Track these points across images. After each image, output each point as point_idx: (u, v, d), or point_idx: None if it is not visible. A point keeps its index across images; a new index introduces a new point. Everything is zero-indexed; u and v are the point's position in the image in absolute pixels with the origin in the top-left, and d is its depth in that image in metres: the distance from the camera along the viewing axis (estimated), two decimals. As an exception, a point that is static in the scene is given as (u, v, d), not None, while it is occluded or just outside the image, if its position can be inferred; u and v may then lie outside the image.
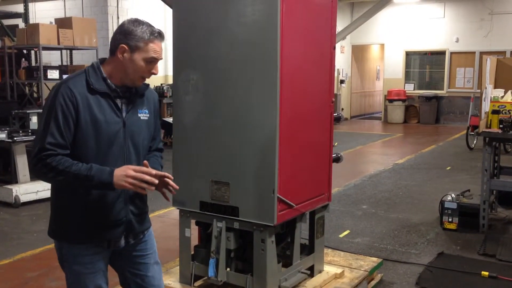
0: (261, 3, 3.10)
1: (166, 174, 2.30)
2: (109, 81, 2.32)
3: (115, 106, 2.31)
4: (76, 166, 2.18)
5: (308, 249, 3.82)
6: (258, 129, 3.18)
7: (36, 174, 2.26)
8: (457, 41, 16.21)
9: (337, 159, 3.97)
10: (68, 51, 8.88)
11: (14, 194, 6.66)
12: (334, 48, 3.68)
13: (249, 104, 3.21)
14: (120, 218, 2.37)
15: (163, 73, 12.16)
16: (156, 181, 2.21)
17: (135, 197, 2.40)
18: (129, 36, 2.28)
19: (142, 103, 2.44)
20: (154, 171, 2.21)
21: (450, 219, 5.59)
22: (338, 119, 3.96)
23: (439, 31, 16.39)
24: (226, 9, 3.24)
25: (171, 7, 3.74)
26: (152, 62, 2.32)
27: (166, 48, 11.57)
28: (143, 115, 2.42)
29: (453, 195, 5.76)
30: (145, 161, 2.27)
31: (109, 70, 2.33)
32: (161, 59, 2.38)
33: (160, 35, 2.33)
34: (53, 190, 2.40)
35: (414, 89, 17.23)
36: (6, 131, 6.94)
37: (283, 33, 3.07)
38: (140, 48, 2.28)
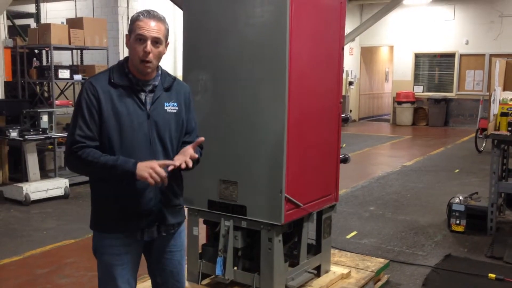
0: (270, 4, 3.13)
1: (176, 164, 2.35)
2: (131, 75, 2.40)
3: (138, 99, 2.39)
4: (104, 157, 2.29)
5: (315, 249, 3.84)
6: (266, 129, 3.21)
7: (69, 166, 2.41)
8: (466, 43, 16.15)
9: (345, 160, 3.98)
10: (79, 51, 8.95)
11: (24, 192, 6.73)
12: (343, 49, 3.70)
13: (258, 104, 3.24)
14: (149, 207, 2.43)
15: (173, 73, 12.22)
16: (164, 180, 2.28)
17: (166, 190, 2.45)
18: (129, 25, 2.40)
19: (170, 96, 2.48)
20: (176, 163, 2.32)
21: (457, 221, 5.58)
22: (346, 120, 3.97)
23: (449, 33, 16.34)
24: (235, 10, 3.28)
25: (181, 8, 3.78)
26: (141, 39, 2.33)
27: (176, 48, 11.63)
28: (170, 108, 2.47)
29: (461, 198, 5.75)
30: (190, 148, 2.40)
31: (130, 65, 2.42)
32: (151, 36, 2.32)
33: (148, 13, 2.35)
34: (90, 183, 2.51)
35: (423, 91, 17.18)
36: (17, 130, 7.02)
37: (292, 34, 3.10)
38: (131, 30, 2.37)
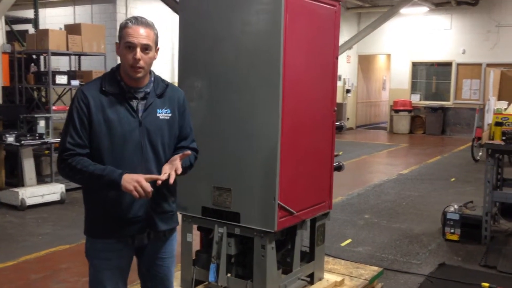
0: (266, 12, 3.16)
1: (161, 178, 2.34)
2: (122, 83, 2.41)
3: (129, 107, 2.40)
4: (93, 167, 2.31)
5: (308, 256, 3.85)
6: (260, 136, 3.23)
7: (60, 173, 2.43)
8: (463, 52, 16.23)
9: (339, 168, 4.00)
10: (77, 56, 8.98)
11: (20, 197, 6.74)
12: (337, 57, 3.73)
13: (252, 111, 3.26)
14: (139, 215, 2.44)
15: (171, 80, 12.25)
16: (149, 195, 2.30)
17: (157, 196, 2.44)
18: (118, 32, 2.42)
19: (163, 102, 2.49)
20: (163, 177, 2.32)
21: (452, 230, 5.60)
22: (340, 128, 3.99)
23: (446, 43, 16.43)
24: (231, 18, 3.31)
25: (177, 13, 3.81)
26: (130, 47, 2.35)
27: (174, 55, 11.68)
28: (163, 115, 2.48)
29: (455, 206, 5.77)
30: (180, 155, 2.40)
31: (122, 72, 2.43)
32: (140, 43, 2.34)
33: (136, 20, 2.37)
34: (82, 189, 2.54)
35: (420, 100, 17.25)
36: (14, 135, 7.03)
37: (286, 42, 3.13)
38: (120, 37, 2.38)
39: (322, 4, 3.50)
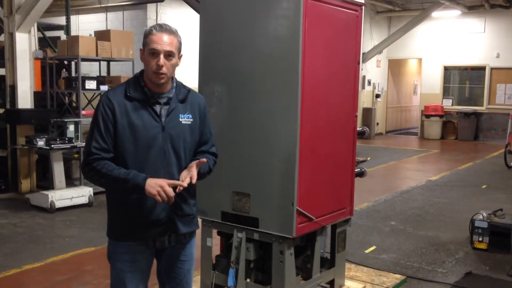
0: (285, 18, 3.16)
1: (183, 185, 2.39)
2: (146, 88, 2.47)
3: (153, 112, 2.45)
4: (117, 171, 2.37)
5: (329, 263, 3.82)
6: (279, 142, 3.23)
7: (85, 176, 2.50)
8: (497, 56, 15.86)
9: (361, 174, 3.96)
10: (106, 62, 9.15)
11: (49, 200, 6.88)
12: (359, 62, 3.69)
13: (271, 117, 3.26)
14: (161, 218, 2.48)
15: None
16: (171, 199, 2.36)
17: (178, 200, 2.48)
18: (143, 39, 2.46)
19: (185, 108, 2.54)
20: (185, 184, 2.38)
21: (480, 239, 5.46)
22: (362, 134, 3.95)
23: (479, 46, 16.08)
24: (250, 24, 3.32)
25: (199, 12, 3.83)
26: (154, 53, 2.40)
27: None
28: (185, 120, 2.53)
29: (484, 214, 5.62)
30: (198, 161, 2.45)
31: (145, 78, 2.48)
32: (163, 50, 2.38)
33: (160, 27, 2.42)
34: (105, 192, 2.60)
35: (452, 105, 16.91)
36: (44, 139, 7.19)
37: (306, 47, 3.12)
38: (145, 44, 2.44)
39: (343, 9, 3.48)
